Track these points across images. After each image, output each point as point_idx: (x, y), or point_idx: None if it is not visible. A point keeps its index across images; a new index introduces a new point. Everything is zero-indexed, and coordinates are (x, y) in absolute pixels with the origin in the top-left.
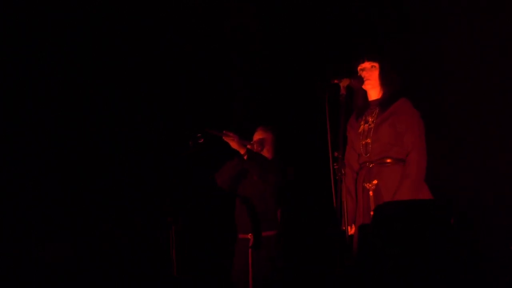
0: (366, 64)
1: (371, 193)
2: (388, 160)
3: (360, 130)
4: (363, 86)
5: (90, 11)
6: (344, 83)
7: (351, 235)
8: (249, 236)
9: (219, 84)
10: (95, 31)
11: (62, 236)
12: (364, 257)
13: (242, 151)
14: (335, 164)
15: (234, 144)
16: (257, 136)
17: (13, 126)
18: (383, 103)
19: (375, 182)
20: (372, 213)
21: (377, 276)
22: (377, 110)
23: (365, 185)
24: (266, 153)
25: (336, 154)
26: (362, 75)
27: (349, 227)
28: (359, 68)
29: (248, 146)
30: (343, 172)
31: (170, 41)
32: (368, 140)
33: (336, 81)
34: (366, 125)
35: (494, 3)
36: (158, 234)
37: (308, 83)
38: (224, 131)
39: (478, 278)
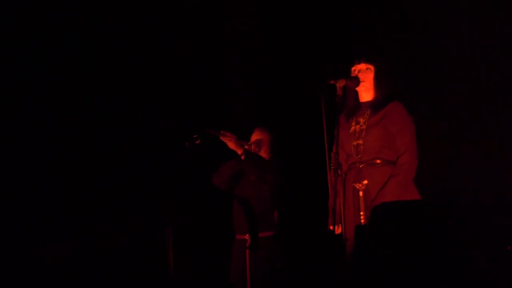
0: (362, 66)
1: (361, 193)
2: (378, 161)
3: (351, 131)
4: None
5: (90, 11)
6: (340, 83)
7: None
8: (247, 237)
9: (219, 84)
10: (95, 31)
11: (62, 236)
12: (361, 258)
13: (239, 152)
14: (331, 164)
15: (231, 145)
16: (254, 137)
17: (13, 126)
18: (375, 105)
19: (365, 182)
20: (362, 213)
21: (374, 276)
22: (368, 112)
23: (355, 185)
24: (264, 153)
25: (332, 154)
26: None
27: (336, 227)
28: (353, 69)
29: (246, 147)
30: (339, 172)
31: (170, 41)
32: (360, 141)
33: (332, 82)
34: (358, 126)
35: (494, 3)
36: (158, 234)
37: (308, 83)
38: (221, 131)
39: (476, 278)
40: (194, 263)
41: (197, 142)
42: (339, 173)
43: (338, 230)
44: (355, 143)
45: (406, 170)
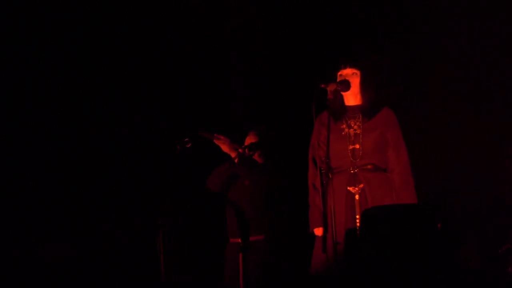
0: (348, 71)
1: (357, 196)
2: (369, 167)
3: (343, 134)
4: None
5: (90, 11)
6: (331, 87)
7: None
8: (239, 240)
9: (219, 84)
10: (95, 31)
11: (62, 236)
12: (353, 261)
13: (233, 155)
14: (322, 168)
15: (225, 148)
16: (249, 140)
17: (13, 126)
18: (367, 110)
19: (361, 186)
20: (358, 216)
21: (366, 280)
22: (360, 116)
23: (349, 188)
24: (258, 157)
25: (323, 158)
26: None
27: (320, 229)
28: (339, 73)
29: (240, 150)
30: (330, 176)
31: (170, 41)
32: (357, 146)
33: (323, 86)
34: (351, 130)
35: (494, 3)
36: (155, 235)
37: (307, 84)
38: (215, 134)
39: (470, 280)
40: (188, 265)
41: (188, 145)
42: (330, 177)
43: (320, 232)
44: (351, 147)
45: (411, 180)
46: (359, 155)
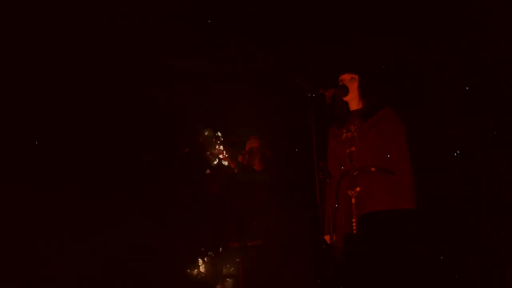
0: (346, 76)
1: (353, 200)
2: (373, 169)
3: (343, 138)
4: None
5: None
6: (329, 93)
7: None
8: (237, 244)
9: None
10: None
11: (62, 236)
12: (351, 265)
13: (232, 165)
14: (320, 173)
15: (224, 158)
16: (249, 144)
17: (13, 126)
18: (366, 112)
19: (357, 189)
20: (354, 220)
21: (364, 282)
22: (359, 119)
23: (348, 192)
24: (258, 162)
25: (321, 164)
26: None
27: (329, 236)
28: (339, 79)
29: (240, 157)
30: (328, 182)
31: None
32: (353, 148)
33: (321, 91)
34: (349, 133)
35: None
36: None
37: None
38: (213, 142)
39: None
40: (188, 267)
41: (186, 150)
42: (328, 181)
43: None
44: (348, 150)
45: (410, 179)
46: (355, 158)
